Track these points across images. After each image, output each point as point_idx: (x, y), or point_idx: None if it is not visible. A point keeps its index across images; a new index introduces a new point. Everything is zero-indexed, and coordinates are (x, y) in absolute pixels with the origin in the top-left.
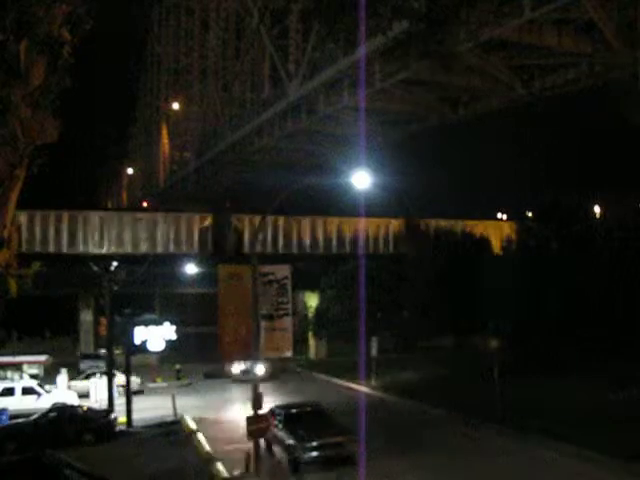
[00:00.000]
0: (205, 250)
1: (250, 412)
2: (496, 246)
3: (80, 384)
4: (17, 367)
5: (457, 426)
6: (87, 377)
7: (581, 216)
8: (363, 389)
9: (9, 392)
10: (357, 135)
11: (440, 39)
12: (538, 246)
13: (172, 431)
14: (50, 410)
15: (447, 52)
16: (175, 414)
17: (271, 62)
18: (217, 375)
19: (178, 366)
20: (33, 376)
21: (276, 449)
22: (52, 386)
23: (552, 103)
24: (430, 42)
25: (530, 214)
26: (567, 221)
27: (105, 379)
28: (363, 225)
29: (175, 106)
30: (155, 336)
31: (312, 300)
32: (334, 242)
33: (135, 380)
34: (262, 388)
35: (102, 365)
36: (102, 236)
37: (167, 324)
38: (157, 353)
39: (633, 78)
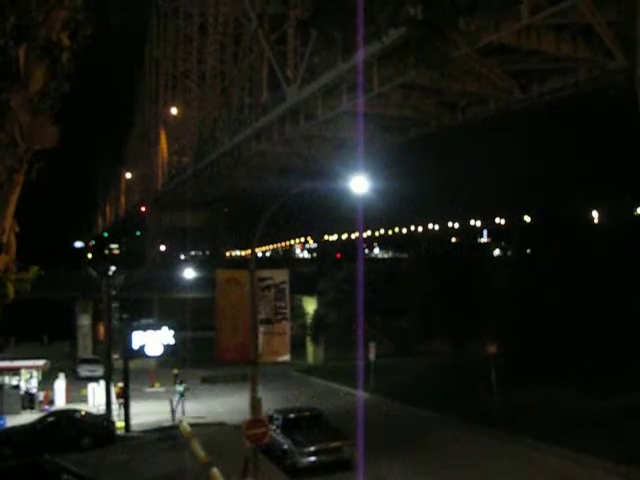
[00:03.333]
0: None
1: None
2: None
3: None
4: (15, 372)
5: (455, 430)
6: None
7: (579, 220)
8: (361, 394)
9: None
10: (356, 140)
11: (437, 46)
12: (535, 251)
13: (170, 436)
14: (48, 415)
15: (442, 58)
16: (173, 419)
17: (269, 67)
18: (215, 380)
19: (176, 371)
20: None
21: (274, 454)
22: None
23: (550, 107)
24: (426, 49)
25: (527, 218)
26: (564, 226)
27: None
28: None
29: (173, 111)
30: (153, 341)
31: (310, 305)
32: None
33: None
34: (259, 392)
35: (100, 370)
36: None
37: (165, 329)
38: (155, 358)
39: (631, 83)
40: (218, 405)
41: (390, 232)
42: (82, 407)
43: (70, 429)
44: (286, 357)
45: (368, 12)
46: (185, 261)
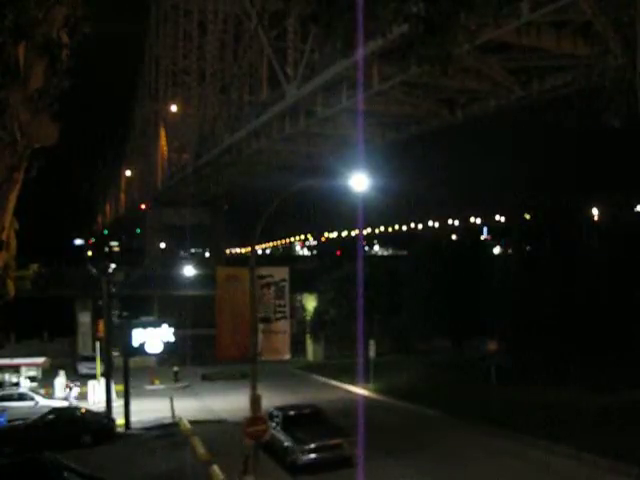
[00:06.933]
0: None
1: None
2: None
3: None
4: (15, 369)
5: (455, 427)
6: None
7: (579, 218)
8: (361, 391)
9: None
10: (356, 137)
11: (439, 43)
12: (535, 249)
13: (170, 433)
14: (48, 412)
15: (446, 56)
16: (173, 416)
17: (269, 64)
18: (214, 377)
19: (176, 368)
20: (31, 378)
21: (274, 451)
22: None
23: (550, 105)
24: (429, 46)
25: (528, 216)
26: (564, 223)
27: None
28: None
29: (173, 108)
30: (153, 338)
31: (310, 302)
32: None
33: None
34: (259, 389)
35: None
36: None
37: (165, 326)
38: (155, 355)
39: (632, 80)
40: (218, 402)
41: (390, 229)
42: (82, 404)
43: (70, 426)
44: (286, 355)
45: (370, 9)
46: (185, 258)
